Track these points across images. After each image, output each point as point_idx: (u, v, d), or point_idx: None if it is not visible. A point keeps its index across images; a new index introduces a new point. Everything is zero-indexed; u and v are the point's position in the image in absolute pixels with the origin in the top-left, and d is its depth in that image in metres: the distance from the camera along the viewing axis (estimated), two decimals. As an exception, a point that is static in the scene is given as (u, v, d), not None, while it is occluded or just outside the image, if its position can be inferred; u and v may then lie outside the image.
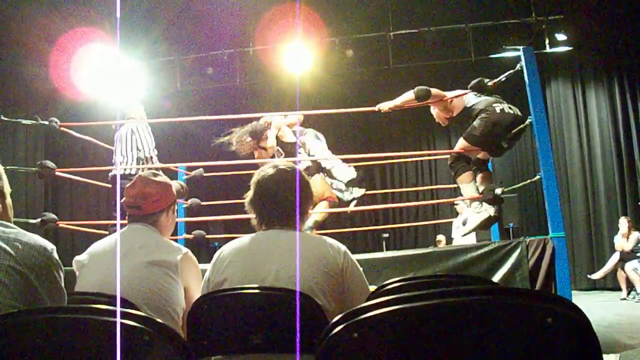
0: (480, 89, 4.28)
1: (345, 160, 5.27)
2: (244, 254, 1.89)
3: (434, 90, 4.41)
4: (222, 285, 1.83)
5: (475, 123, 4.26)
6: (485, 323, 0.95)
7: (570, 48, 8.92)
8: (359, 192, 5.01)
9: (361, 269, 1.93)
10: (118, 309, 1.05)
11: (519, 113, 4.27)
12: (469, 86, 4.33)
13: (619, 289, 8.02)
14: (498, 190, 4.12)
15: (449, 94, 4.53)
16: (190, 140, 10.22)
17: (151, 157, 5.25)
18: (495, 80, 4.29)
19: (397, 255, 4.05)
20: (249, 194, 2.02)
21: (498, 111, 4.22)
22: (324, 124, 11.25)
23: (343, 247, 1.91)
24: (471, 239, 8.04)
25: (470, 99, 4.42)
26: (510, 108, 4.27)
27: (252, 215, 2.02)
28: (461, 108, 4.47)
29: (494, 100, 4.32)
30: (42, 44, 7.61)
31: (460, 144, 4.42)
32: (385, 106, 4.59)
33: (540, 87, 4.26)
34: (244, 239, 1.96)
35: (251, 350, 1.65)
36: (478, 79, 4.30)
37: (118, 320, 1.03)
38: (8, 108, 6.47)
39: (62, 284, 1.52)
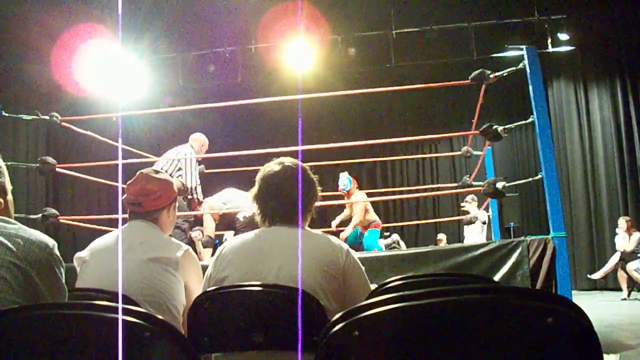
0: (481, 80, 4.30)
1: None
2: (245, 251, 1.89)
3: None
4: (223, 282, 1.82)
5: None
6: (486, 322, 0.95)
7: (572, 48, 8.91)
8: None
9: (363, 268, 1.92)
10: (120, 305, 1.05)
11: None
12: (470, 77, 4.34)
13: (620, 290, 8.02)
14: (499, 185, 4.11)
15: None
16: (190, 136, 10.21)
17: (194, 189, 5.42)
18: (497, 74, 4.29)
19: (398, 253, 4.05)
20: (254, 190, 2.02)
21: None
22: (326, 122, 11.31)
23: (345, 246, 1.90)
24: (476, 239, 8.07)
25: None
26: None
27: (255, 211, 2.01)
28: None
29: None
30: (43, 41, 7.60)
31: None
32: None
33: (543, 86, 4.26)
34: (246, 236, 1.95)
35: (252, 347, 1.65)
36: (479, 71, 4.31)
37: (120, 316, 1.03)
38: (10, 105, 6.45)
39: (63, 280, 1.52)
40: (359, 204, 6.63)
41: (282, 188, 1.95)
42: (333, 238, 1.93)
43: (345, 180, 6.74)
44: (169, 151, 5.74)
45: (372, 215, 6.87)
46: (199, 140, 5.80)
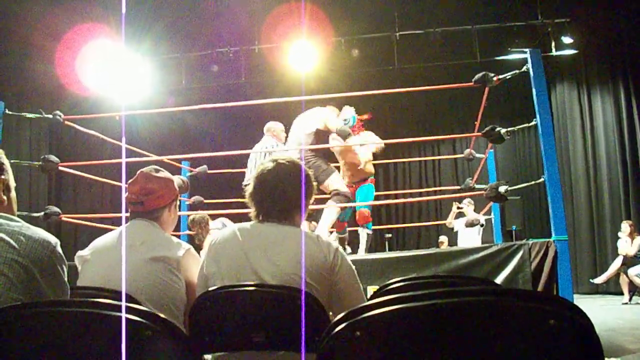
0: (484, 83, 4.29)
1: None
2: (236, 245, 1.88)
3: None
4: (213, 277, 1.84)
5: None
6: (488, 324, 0.95)
7: (576, 51, 8.91)
8: None
9: (354, 267, 1.91)
10: (123, 303, 1.05)
11: None
12: (473, 80, 4.34)
13: (621, 294, 8.00)
14: (502, 188, 4.11)
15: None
16: (192, 135, 10.23)
17: None
18: (500, 77, 4.29)
19: (400, 255, 4.05)
20: (249, 188, 2.02)
21: None
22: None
23: (335, 245, 1.89)
24: (477, 241, 8.06)
25: None
26: None
27: (251, 209, 2.01)
28: None
29: None
30: (47, 40, 7.62)
31: None
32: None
33: (546, 89, 4.26)
34: (235, 231, 1.93)
35: (253, 347, 1.65)
36: (483, 73, 4.31)
37: (123, 315, 1.04)
38: (13, 104, 6.47)
39: (66, 279, 1.52)
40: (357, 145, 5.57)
41: (276, 186, 1.94)
42: (323, 236, 1.92)
43: (347, 113, 5.82)
44: (253, 150, 5.54)
45: (371, 167, 5.97)
46: (275, 128, 5.65)
